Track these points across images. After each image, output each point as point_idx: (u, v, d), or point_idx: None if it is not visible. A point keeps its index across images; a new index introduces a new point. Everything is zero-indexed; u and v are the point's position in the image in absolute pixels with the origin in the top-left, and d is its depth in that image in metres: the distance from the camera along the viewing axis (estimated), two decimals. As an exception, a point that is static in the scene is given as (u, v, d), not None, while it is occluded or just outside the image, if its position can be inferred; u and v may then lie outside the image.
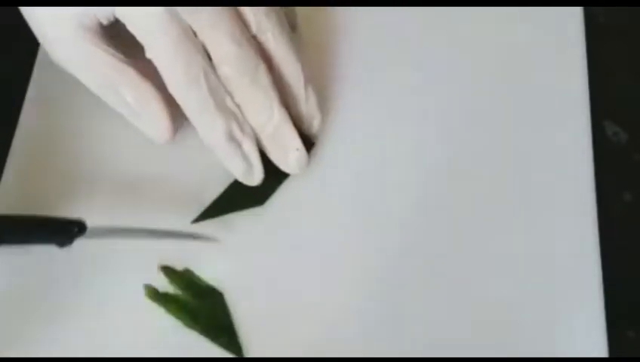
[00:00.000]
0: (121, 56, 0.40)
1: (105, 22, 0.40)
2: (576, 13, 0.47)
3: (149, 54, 0.39)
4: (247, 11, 0.40)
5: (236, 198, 0.42)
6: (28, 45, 0.44)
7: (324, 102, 0.44)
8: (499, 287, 0.40)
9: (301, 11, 0.47)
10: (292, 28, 0.44)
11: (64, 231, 0.38)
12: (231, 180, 0.42)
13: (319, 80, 0.45)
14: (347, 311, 0.40)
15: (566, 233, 0.41)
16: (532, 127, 0.44)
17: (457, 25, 0.47)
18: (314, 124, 0.43)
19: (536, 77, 0.46)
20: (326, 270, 0.41)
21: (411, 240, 0.41)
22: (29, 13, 0.41)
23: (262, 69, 0.40)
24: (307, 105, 0.43)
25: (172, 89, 0.40)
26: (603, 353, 0.39)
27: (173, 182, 0.43)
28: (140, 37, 0.39)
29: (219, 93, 0.40)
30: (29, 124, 0.44)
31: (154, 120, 0.41)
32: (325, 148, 0.44)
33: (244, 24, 0.40)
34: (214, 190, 0.42)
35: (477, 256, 0.41)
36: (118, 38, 0.40)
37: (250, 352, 0.39)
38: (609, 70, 0.47)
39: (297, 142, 0.42)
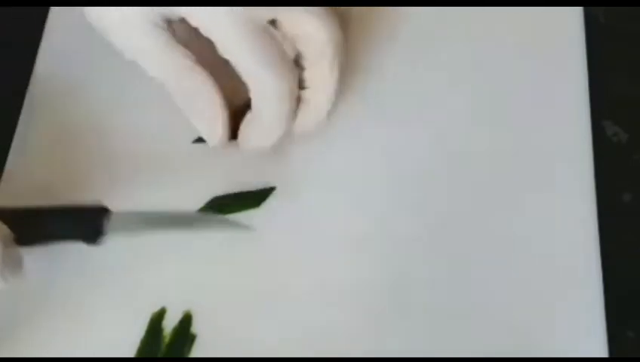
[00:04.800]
0: (191, 55, 0.40)
1: (175, 18, 0.40)
2: (576, 13, 0.47)
3: (221, 51, 0.39)
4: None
5: (232, 200, 0.42)
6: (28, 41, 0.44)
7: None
8: (499, 287, 0.40)
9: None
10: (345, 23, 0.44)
11: (89, 220, 0.35)
12: (234, 180, 0.42)
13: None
14: (346, 311, 0.40)
15: (566, 233, 0.41)
16: (532, 126, 0.44)
17: (457, 25, 0.47)
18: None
19: (536, 77, 0.46)
20: (325, 271, 0.41)
21: (409, 242, 0.41)
22: (95, 12, 0.40)
23: None
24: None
25: (247, 75, 0.40)
26: (603, 353, 0.39)
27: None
28: (214, 35, 0.39)
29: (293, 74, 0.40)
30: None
31: (209, 123, 0.41)
32: (323, 150, 0.44)
33: None
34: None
35: (477, 256, 0.41)
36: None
37: (251, 341, 0.39)
38: (609, 70, 0.47)
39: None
